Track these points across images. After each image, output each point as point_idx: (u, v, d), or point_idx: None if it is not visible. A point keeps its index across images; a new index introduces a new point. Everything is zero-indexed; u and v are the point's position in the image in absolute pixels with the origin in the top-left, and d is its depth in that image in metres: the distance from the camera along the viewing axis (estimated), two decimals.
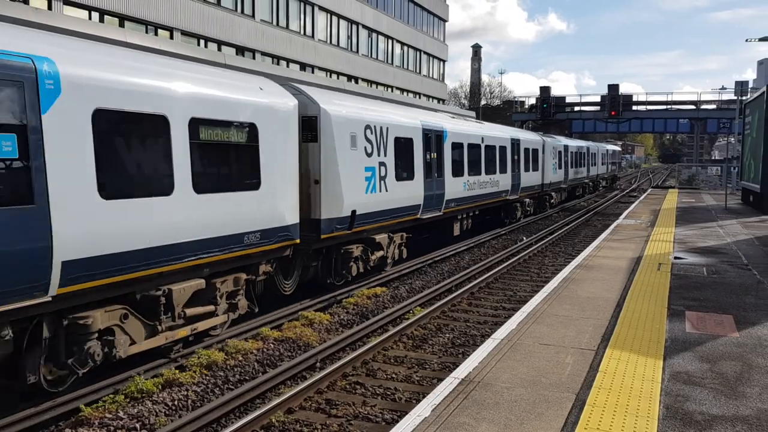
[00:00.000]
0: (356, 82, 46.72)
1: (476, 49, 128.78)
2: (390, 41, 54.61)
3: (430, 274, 16.49)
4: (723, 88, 59.78)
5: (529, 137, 29.85)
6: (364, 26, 49.94)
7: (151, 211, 8.39)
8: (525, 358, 7.36)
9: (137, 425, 7.21)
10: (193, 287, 9.35)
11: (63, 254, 7.15)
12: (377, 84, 51.13)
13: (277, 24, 39.39)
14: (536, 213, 31.43)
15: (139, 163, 8.39)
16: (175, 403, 7.85)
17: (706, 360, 7.28)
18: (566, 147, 37.38)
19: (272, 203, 10.91)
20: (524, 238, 22.66)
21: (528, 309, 9.71)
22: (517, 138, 27.10)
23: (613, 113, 61.79)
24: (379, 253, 15.18)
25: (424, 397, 6.76)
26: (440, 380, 7.28)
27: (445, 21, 66.11)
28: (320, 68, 43.87)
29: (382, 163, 14.85)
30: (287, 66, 39.40)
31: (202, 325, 9.75)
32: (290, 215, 11.39)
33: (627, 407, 5.90)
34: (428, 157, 17.43)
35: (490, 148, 23.21)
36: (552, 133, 44.12)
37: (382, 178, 14.88)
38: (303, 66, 41.65)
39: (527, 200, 29.27)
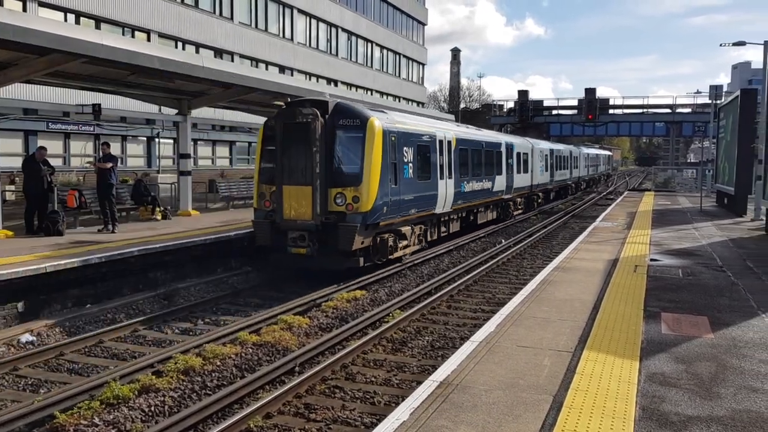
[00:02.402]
0: (336, 85, 46.63)
1: (455, 53, 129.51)
2: (369, 44, 54.62)
3: (409, 277, 16.50)
4: (698, 92, 60.78)
5: (572, 148, 50.04)
6: (344, 29, 49.91)
7: (559, 175, 41.63)
8: (503, 360, 7.39)
9: None
10: (542, 195, 37.85)
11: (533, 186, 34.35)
12: (357, 87, 51.04)
13: (256, 26, 39.24)
14: (574, 193, 51.83)
15: (554, 167, 39.66)
16: (152, 408, 7.75)
17: (682, 361, 7.36)
18: (588, 154, 59.81)
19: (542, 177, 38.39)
20: (503, 240, 22.88)
21: (506, 311, 9.74)
22: (572, 149, 48.87)
23: (590, 117, 62.44)
24: (542, 196, 38.40)
25: (403, 400, 6.75)
26: (419, 383, 7.27)
27: (424, 24, 66.33)
28: (299, 71, 43.75)
29: (543, 165, 36.70)
30: (266, 68, 39.22)
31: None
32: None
33: (604, 409, 5.95)
34: (550, 162, 39.06)
35: (570, 158, 46.29)
36: (530, 136, 45.98)
37: (542, 170, 36.40)
38: (282, 69, 41.45)
39: (573, 185, 50.30)
